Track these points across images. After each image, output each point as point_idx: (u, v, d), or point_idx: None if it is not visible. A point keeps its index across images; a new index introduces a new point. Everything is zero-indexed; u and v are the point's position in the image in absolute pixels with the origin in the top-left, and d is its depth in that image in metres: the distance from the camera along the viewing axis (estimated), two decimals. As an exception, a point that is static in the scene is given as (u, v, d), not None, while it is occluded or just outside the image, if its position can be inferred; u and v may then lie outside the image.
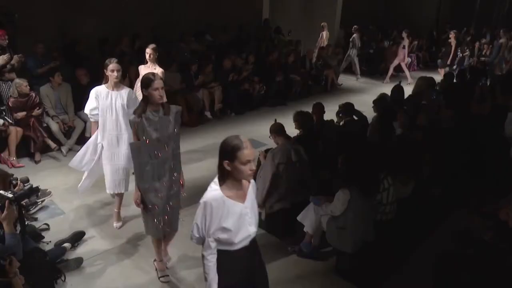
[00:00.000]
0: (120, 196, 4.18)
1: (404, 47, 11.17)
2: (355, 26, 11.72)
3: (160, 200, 3.17)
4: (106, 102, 3.82)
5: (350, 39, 11.67)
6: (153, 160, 3.07)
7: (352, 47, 11.65)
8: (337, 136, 4.91)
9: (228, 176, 2.14)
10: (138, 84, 5.10)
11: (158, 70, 5.15)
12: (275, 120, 4.37)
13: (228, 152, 2.09)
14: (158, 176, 3.13)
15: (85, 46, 7.57)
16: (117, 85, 3.85)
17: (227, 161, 2.09)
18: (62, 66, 6.53)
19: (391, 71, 11.47)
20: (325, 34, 11.91)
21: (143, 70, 5.26)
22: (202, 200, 2.15)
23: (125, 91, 3.90)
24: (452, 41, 11.01)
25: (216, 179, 2.19)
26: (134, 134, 3.06)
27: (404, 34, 11.21)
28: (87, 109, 3.90)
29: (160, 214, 3.20)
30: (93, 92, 3.85)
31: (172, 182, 3.24)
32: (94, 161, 4.01)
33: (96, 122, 3.94)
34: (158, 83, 2.95)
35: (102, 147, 3.95)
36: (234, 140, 2.10)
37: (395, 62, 11.35)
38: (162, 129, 3.04)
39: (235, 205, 2.16)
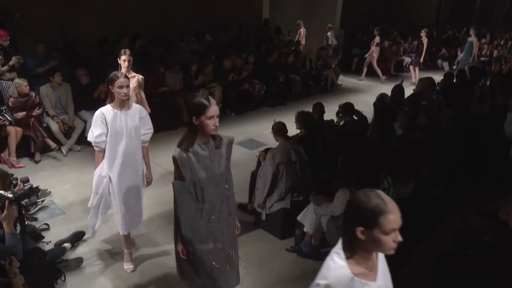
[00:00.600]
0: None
1: (373, 44, 11.33)
2: (329, 24, 11.89)
3: (208, 254, 2.55)
4: (115, 126, 3.20)
5: (324, 37, 11.86)
6: (200, 204, 2.48)
7: (325, 44, 11.78)
8: (337, 136, 4.91)
9: (359, 247, 1.57)
10: None
11: (139, 77, 4.72)
12: (274, 120, 4.37)
13: (366, 216, 1.50)
14: (206, 223, 2.52)
15: (85, 46, 7.58)
16: (125, 104, 3.25)
17: (362, 228, 1.51)
18: (62, 66, 6.54)
19: (378, 70, 11.63)
20: (302, 31, 12.05)
21: None
22: (322, 281, 1.58)
23: (134, 110, 3.32)
24: (424, 39, 11.08)
25: (339, 250, 1.62)
26: (179, 172, 2.42)
27: (375, 32, 11.37)
28: (91, 137, 3.23)
29: (211, 272, 2.58)
30: (98, 116, 3.19)
31: (224, 229, 2.62)
32: (98, 196, 3.43)
33: (101, 151, 3.28)
34: (214, 110, 2.35)
35: (110, 180, 3.34)
36: (374, 199, 1.51)
37: (374, 62, 11.52)
38: (212, 166, 2.47)
39: (367, 286, 1.61)
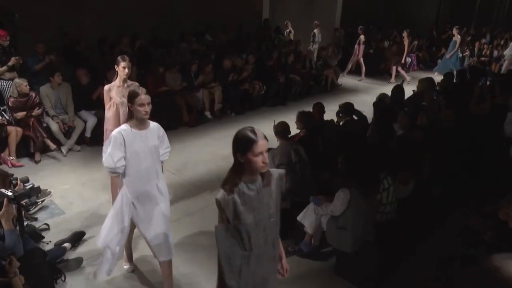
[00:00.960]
0: (168, 264, 3.18)
1: (360, 44, 11.44)
2: (316, 22, 12.00)
3: None
4: (134, 148, 2.90)
5: (312, 34, 11.93)
6: (247, 251, 2.15)
7: (312, 42, 11.89)
8: (337, 136, 4.91)
9: None
10: (108, 114, 4.26)
11: (136, 85, 4.16)
12: (274, 121, 4.36)
13: None
14: (254, 273, 2.21)
15: (85, 46, 7.59)
16: (144, 122, 2.96)
17: None
18: (62, 66, 6.54)
19: (348, 67, 11.87)
20: (289, 31, 12.21)
21: (116, 91, 4.15)
22: None
23: (153, 128, 3.04)
24: (405, 39, 11.17)
25: None
26: (222, 216, 2.11)
27: (359, 31, 11.51)
28: (109, 162, 2.88)
29: None
30: (117, 137, 2.87)
31: (271, 278, 2.34)
32: (123, 235, 3.03)
33: (118, 177, 2.99)
34: (262, 145, 2.04)
35: (135, 207, 3.00)
36: None
37: (353, 58, 11.68)
38: (261, 208, 2.14)
39: None
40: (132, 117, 2.92)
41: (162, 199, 3.10)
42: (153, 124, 3.07)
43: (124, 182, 2.98)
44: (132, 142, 2.89)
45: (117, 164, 2.88)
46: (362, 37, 11.40)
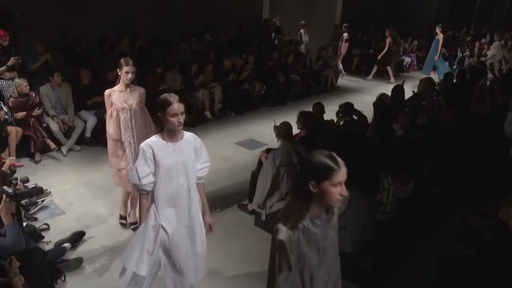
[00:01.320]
0: None
1: (342, 41, 11.50)
2: (302, 22, 12.01)
3: None
4: (166, 162, 2.57)
5: (298, 34, 11.98)
6: None
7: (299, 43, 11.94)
8: (337, 136, 4.91)
9: None
10: (109, 121, 3.85)
11: (141, 91, 3.92)
12: (275, 121, 4.36)
13: None
14: None
15: (85, 46, 7.59)
16: (177, 134, 2.62)
17: None
18: (62, 66, 6.55)
19: (340, 66, 11.89)
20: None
21: (117, 96, 3.76)
22: None
23: (187, 140, 2.69)
24: (387, 38, 11.22)
25: None
26: (282, 260, 1.78)
27: (343, 29, 11.60)
28: (135, 178, 2.57)
29: None
30: (146, 150, 2.54)
31: None
32: (152, 258, 2.71)
33: (148, 195, 2.67)
34: (344, 174, 1.74)
35: (163, 230, 2.67)
36: None
37: (340, 58, 11.75)
38: (326, 246, 1.85)
39: None
40: (162, 128, 2.59)
41: (197, 225, 2.76)
42: (188, 135, 2.71)
43: (155, 201, 2.66)
44: (163, 155, 2.56)
45: (143, 181, 2.57)
46: (345, 35, 11.45)
